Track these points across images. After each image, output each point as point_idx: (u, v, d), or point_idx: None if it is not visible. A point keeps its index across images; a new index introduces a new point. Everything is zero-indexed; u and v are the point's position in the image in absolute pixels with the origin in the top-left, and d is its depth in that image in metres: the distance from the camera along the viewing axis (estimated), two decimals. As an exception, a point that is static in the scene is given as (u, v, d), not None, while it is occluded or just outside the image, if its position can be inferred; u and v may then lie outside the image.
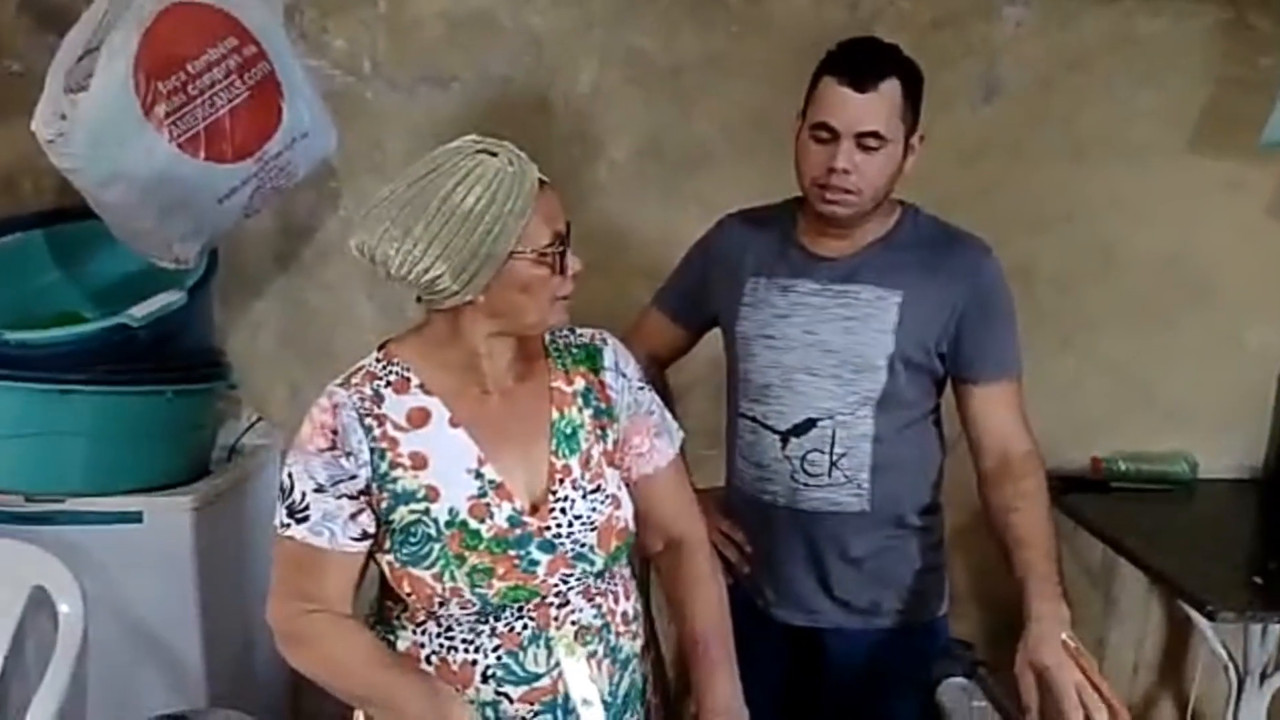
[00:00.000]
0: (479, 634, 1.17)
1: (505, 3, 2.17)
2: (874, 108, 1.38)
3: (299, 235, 2.29)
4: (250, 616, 2.17)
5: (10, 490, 1.90)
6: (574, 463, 1.21)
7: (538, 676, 1.17)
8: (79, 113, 1.68)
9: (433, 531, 1.15)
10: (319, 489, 1.14)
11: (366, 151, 2.21)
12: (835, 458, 1.50)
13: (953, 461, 1.62)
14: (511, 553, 1.15)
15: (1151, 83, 2.20)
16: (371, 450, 1.15)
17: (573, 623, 1.19)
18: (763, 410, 1.54)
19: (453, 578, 1.14)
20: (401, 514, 1.16)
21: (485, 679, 1.17)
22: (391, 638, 1.22)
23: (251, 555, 2.13)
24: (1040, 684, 1.25)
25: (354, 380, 1.19)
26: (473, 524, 1.15)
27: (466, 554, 1.14)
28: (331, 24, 2.19)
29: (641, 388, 1.30)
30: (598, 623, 1.21)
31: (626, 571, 1.29)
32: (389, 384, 1.19)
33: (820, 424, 1.50)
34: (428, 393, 1.19)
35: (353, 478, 1.15)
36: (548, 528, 1.17)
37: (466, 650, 1.17)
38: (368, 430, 1.15)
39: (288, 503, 1.15)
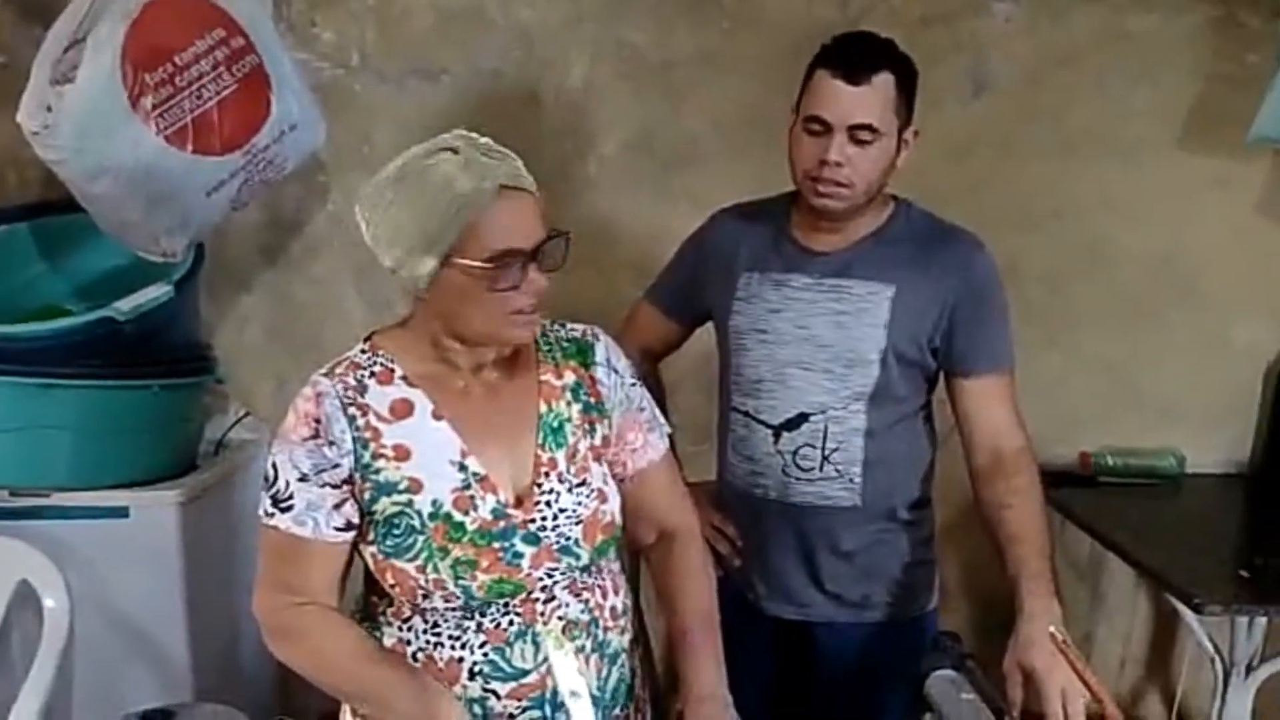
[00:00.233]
0: (465, 630, 1.17)
1: (495, -4, 2.17)
2: (867, 101, 1.38)
3: (287, 229, 2.28)
4: (237, 611, 2.16)
5: (-5, 484, 1.88)
6: (560, 456, 1.20)
7: (525, 672, 1.17)
8: (65, 105, 1.67)
9: (416, 523, 1.14)
10: (302, 478, 1.14)
11: (355, 144, 2.20)
12: (827, 452, 1.51)
13: (943, 456, 1.62)
14: (495, 545, 1.15)
15: (1142, 79, 2.21)
16: (354, 440, 1.15)
17: (559, 618, 1.19)
18: (755, 405, 1.54)
19: (436, 570, 1.14)
20: (384, 505, 1.15)
21: (472, 676, 1.16)
22: (378, 634, 1.21)
23: (238, 550, 2.12)
24: (1029, 682, 1.25)
25: (338, 370, 1.19)
26: (456, 516, 1.15)
27: (450, 546, 1.14)
28: (320, 16, 2.18)
29: (633, 384, 1.30)
30: (585, 617, 1.21)
31: (615, 566, 1.29)
32: (373, 375, 1.18)
33: (812, 419, 1.50)
34: (411, 385, 1.18)
35: (335, 467, 1.15)
36: (532, 520, 1.17)
37: (453, 647, 1.17)
38: (351, 420, 1.15)
39: (272, 491, 1.15)
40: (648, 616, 1.44)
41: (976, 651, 1.22)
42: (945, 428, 1.60)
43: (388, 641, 1.20)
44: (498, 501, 1.16)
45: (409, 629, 1.19)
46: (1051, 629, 1.26)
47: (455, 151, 1.09)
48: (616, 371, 1.28)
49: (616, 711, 1.26)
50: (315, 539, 1.15)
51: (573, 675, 0.99)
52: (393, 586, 1.16)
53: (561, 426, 1.22)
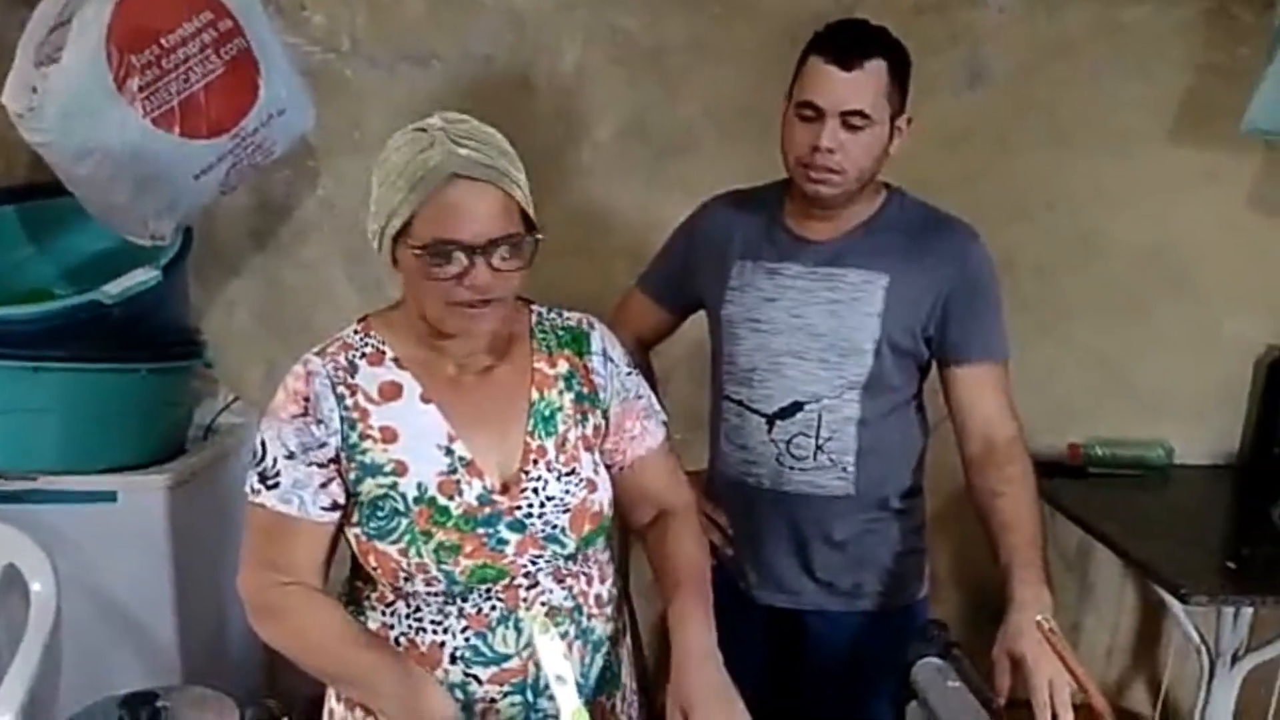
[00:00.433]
0: (447, 615, 1.16)
1: (487, -21, 2.16)
2: (859, 87, 1.38)
3: (276, 213, 2.26)
4: (225, 596, 2.15)
5: (-19, 468, 1.87)
6: (549, 444, 1.20)
7: (507, 658, 1.17)
8: (50, 86, 1.65)
9: (400, 506, 1.14)
10: (290, 456, 1.14)
11: (345, 130, 2.19)
12: (821, 441, 1.51)
13: (935, 445, 1.62)
14: (480, 531, 1.15)
15: (1134, 71, 2.21)
16: (342, 420, 1.14)
17: (542, 604, 1.18)
18: (748, 394, 1.54)
19: (419, 553, 1.13)
20: (369, 487, 1.15)
21: (454, 660, 1.16)
22: (361, 618, 1.21)
23: (227, 535, 2.09)
24: (1017, 671, 1.26)
25: (329, 350, 1.18)
26: (441, 500, 1.14)
27: (434, 530, 1.13)
28: (310, 0, 2.16)
29: (629, 373, 1.29)
30: (569, 604, 1.21)
31: (604, 555, 1.29)
32: (364, 356, 1.18)
33: (806, 407, 1.50)
34: (401, 367, 1.18)
35: (322, 446, 1.14)
36: (518, 507, 1.16)
37: (435, 632, 1.17)
38: (339, 399, 1.15)
39: (260, 468, 1.15)
40: (638, 606, 1.44)
41: (967, 641, 1.22)
42: (935, 416, 1.60)
43: (371, 625, 1.19)
44: (483, 487, 1.16)
45: (392, 613, 1.19)
46: (1039, 618, 1.27)
47: (426, 131, 1.08)
48: (612, 361, 1.27)
49: (601, 699, 1.26)
50: (301, 517, 1.14)
51: (558, 659, 0.98)
52: (375, 569, 1.16)
53: (553, 415, 1.21)
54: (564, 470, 1.19)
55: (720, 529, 1.62)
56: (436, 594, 1.16)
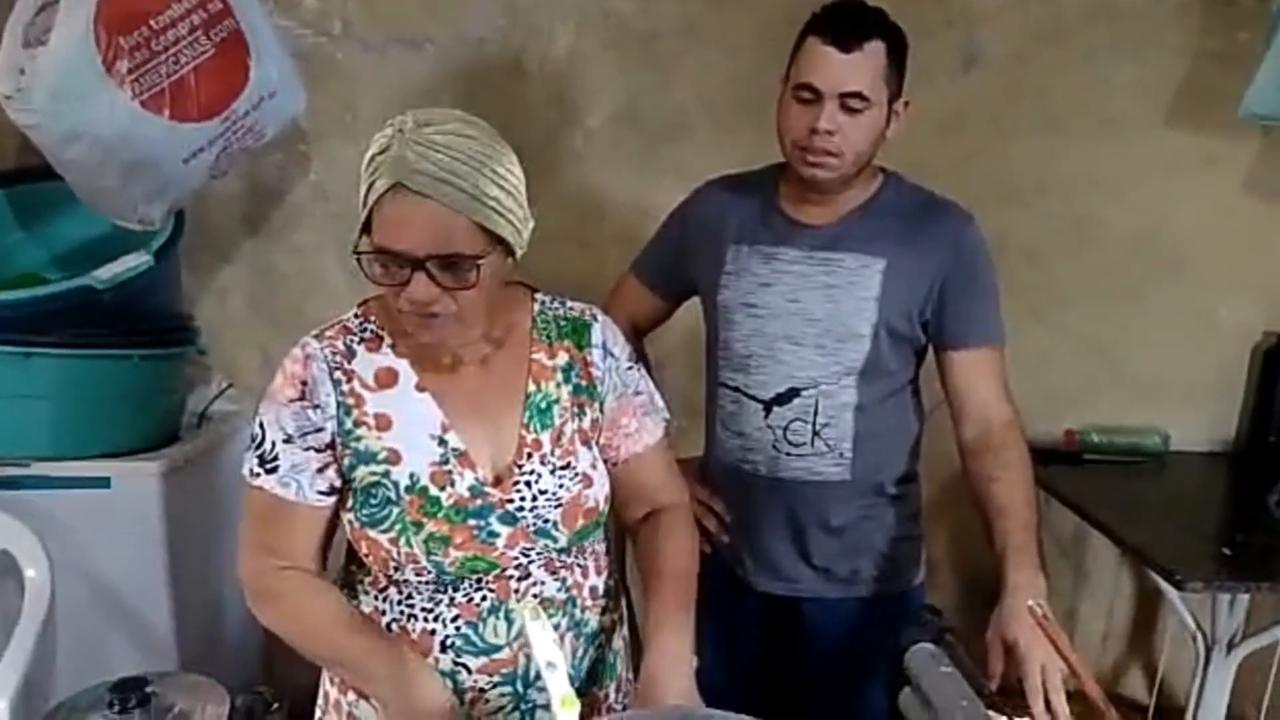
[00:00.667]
0: (438, 603, 1.16)
1: (480, -38, 2.14)
2: (858, 68, 1.37)
3: (268, 198, 2.25)
4: (221, 583, 2.15)
5: (-26, 454, 1.87)
6: (545, 437, 1.18)
7: (497, 648, 1.16)
8: (38, 68, 1.64)
9: (392, 495, 1.13)
10: (287, 439, 1.13)
11: (337, 113, 2.18)
12: (818, 427, 1.50)
13: (931, 432, 1.62)
14: (470, 522, 1.14)
15: (1130, 56, 2.20)
16: (338, 405, 1.14)
17: (534, 595, 1.18)
18: (745, 380, 1.53)
19: (409, 543, 1.12)
20: (362, 474, 1.14)
21: (444, 649, 1.16)
22: (356, 603, 1.20)
23: (222, 522, 2.10)
24: (1010, 655, 1.25)
25: (328, 333, 1.17)
26: (433, 490, 1.14)
27: (424, 520, 1.13)
28: (301, -18, 2.15)
29: (630, 367, 1.27)
30: (561, 596, 1.20)
31: (600, 547, 1.28)
32: (362, 341, 1.17)
33: (803, 393, 1.49)
34: (399, 354, 1.17)
35: (319, 430, 1.13)
36: (510, 500, 1.15)
37: (426, 619, 1.16)
38: (336, 384, 1.14)
39: (259, 452, 1.14)
40: (636, 597, 1.43)
41: (964, 627, 1.22)
42: (931, 402, 1.60)
43: (365, 610, 1.19)
44: (475, 479, 1.15)
45: (384, 599, 1.18)
46: (1031, 603, 1.26)
47: (393, 130, 1.04)
48: (612, 355, 1.25)
49: (595, 690, 1.25)
50: (299, 501, 1.14)
51: (549, 646, 0.97)
52: (367, 556, 1.16)
53: (549, 408, 1.20)
54: (559, 464, 1.18)
55: (717, 516, 1.61)
56: (427, 583, 1.15)
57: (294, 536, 1.15)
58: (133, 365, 1.91)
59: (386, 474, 1.14)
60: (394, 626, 1.17)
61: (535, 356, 1.21)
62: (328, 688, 1.26)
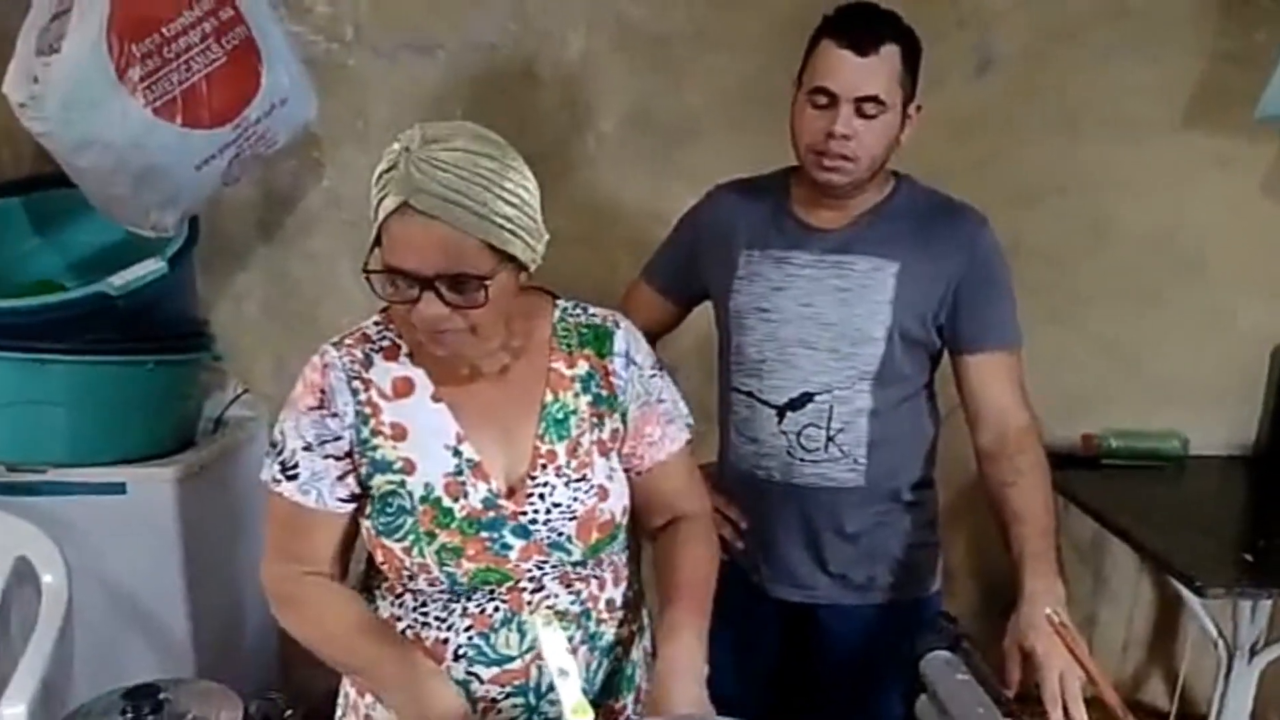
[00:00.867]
0: (451, 613, 1.15)
1: (490, -33, 2.14)
2: (874, 72, 1.36)
3: (282, 205, 2.26)
4: (238, 590, 2.16)
5: (-9, 460, 1.88)
6: (560, 449, 1.17)
7: (510, 659, 1.16)
8: (51, 76, 1.64)
9: (407, 504, 1.13)
10: (307, 447, 1.14)
11: (349, 120, 2.18)
12: (832, 432, 1.49)
13: (948, 437, 1.60)
14: (483, 534, 1.13)
15: (1145, 56, 2.18)
16: (356, 414, 1.14)
17: (548, 608, 1.16)
18: (758, 385, 1.52)
19: (421, 553, 1.12)
20: (379, 483, 1.14)
21: (457, 658, 1.15)
22: (373, 606, 1.20)
23: (238, 528, 2.11)
24: (1027, 663, 1.24)
25: (347, 341, 1.17)
26: (446, 501, 1.13)
27: (437, 531, 1.12)
28: (313, -11, 2.15)
29: (653, 374, 1.25)
30: (576, 609, 1.18)
31: (619, 558, 1.26)
32: (380, 349, 1.17)
33: (817, 398, 1.48)
34: (416, 363, 1.16)
35: (338, 439, 1.14)
36: (523, 513, 1.14)
37: (439, 628, 1.16)
38: (354, 393, 1.14)
39: (279, 459, 1.14)
40: (655, 605, 1.42)
41: (981, 635, 1.21)
42: (946, 407, 1.58)
43: (382, 614, 1.19)
44: (489, 490, 1.14)
45: (400, 605, 1.18)
46: (1049, 610, 1.25)
47: (399, 148, 1.03)
48: (635, 363, 1.23)
49: (610, 702, 1.24)
50: (319, 509, 1.14)
51: (561, 653, 0.97)
52: (382, 563, 1.15)
53: (566, 418, 1.18)
54: (574, 476, 1.17)
55: (732, 523, 1.60)
56: (441, 592, 1.15)
57: (315, 543, 1.16)
58: (148, 371, 1.92)
59: (402, 484, 1.13)
60: (409, 633, 1.17)
61: (554, 366, 1.19)
62: (348, 689, 1.26)
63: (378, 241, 1.05)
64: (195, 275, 2.11)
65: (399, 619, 1.18)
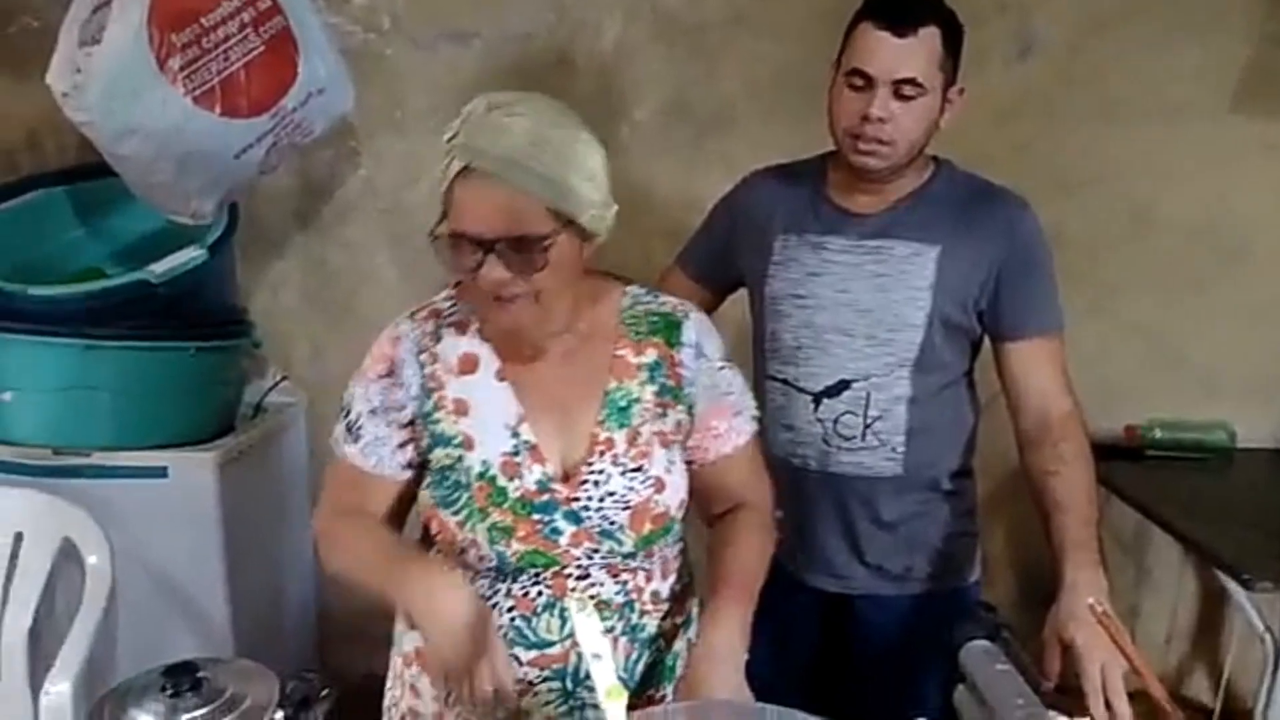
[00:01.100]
0: (496, 592, 1.16)
1: (527, -43, 2.15)
2: (913, 54, 1.33)
3: (319, 194, 2.28)
4: (277, 572, 2.19)
5: (38, 444, 1.92)
6: (619, 437, 1.15)
7: (550, 643, 1.16)
8: (92, 66, 1.68)
9: (463, 480, 1.14)
10: (372, 413, 1.16)
11: (386, 109, 2.20)
12: (870, 420, 1.47)
13: (985, 428, 1.58)
14: (535, 517, 1.13)
15: (1190, 40, 2.14)
16: (421, 386, 1.16)
17: (591, 597, 1.15)
18: (794, 372, 1.51)
19: (473, 529, 1.13)
20: (438, 455, 1.16)
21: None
22: None
23: (277, 512, 2.14)
24: (1068, 655, 1.22)
25: (419, 314, 1.19)
26: (501, 481, 1.13)
27: (490, 510, 1.13)
28: (351, -21, 2.17)
29: (722, 367, 1.22)
30: (619, 599, 1.17)
31: (670, 551, 1.22)
32: (451, 324, 1.18)
33: (854, 385, 1.46)
34: (484, 340, 1.17)
35: (402, 409, 1.16)
36: (576, 499, 1.13)
37: None
38: (421, 366, 1.16)
39: (345, 422, 1.18)
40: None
41: (1021, 627, 1.19)
42: (987, 395, 1.56)
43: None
44: (544, 473, 1.14)
45: None
46: (1091, 600, 1.23)
47: (463, 115, 1.05)
48: (704, 355, 1.21)
49: (651, 692, 1.22)
50: (377, 473, 1.17)
51: (595, 637, 0.97)
52: (436, 534, 1.17)
53: (629, 406, 1.17)
54: (630, 465, 1.15)
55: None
56: (489, 570, 1.15)
57: (370, 504, 1.18)
58: (189, 357, 1.95)
59: (460, 459, 1.14)
60: None
61: (620, 352, 1.18)
62: (395, 658, 1.28)
63: (445, 210, 1.06)
64: (235, 264, 2.14)
65: None
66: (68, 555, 1.74)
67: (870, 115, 1.35)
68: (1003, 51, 2.15)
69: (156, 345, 1.91)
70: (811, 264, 1.48)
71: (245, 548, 2.05)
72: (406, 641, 1.26)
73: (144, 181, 1.87)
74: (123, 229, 2.16)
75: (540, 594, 1.15)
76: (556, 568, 1.15)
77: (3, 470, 1.91)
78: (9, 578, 1.73)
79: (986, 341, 1.51)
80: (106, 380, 1.90)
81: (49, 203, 2.13)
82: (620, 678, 1.12)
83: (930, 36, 1.34)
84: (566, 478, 1.15)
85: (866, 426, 1.47)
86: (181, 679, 0.92)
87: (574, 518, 1.14)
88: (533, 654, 1.15)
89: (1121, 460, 2.18)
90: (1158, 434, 2.24)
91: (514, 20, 2.18)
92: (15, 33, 2.18)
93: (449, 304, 1.20)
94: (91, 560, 1.72)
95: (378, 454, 1.17)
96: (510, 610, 1.15)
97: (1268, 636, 2.09)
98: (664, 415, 1.18)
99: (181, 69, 1.72)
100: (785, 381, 1.52)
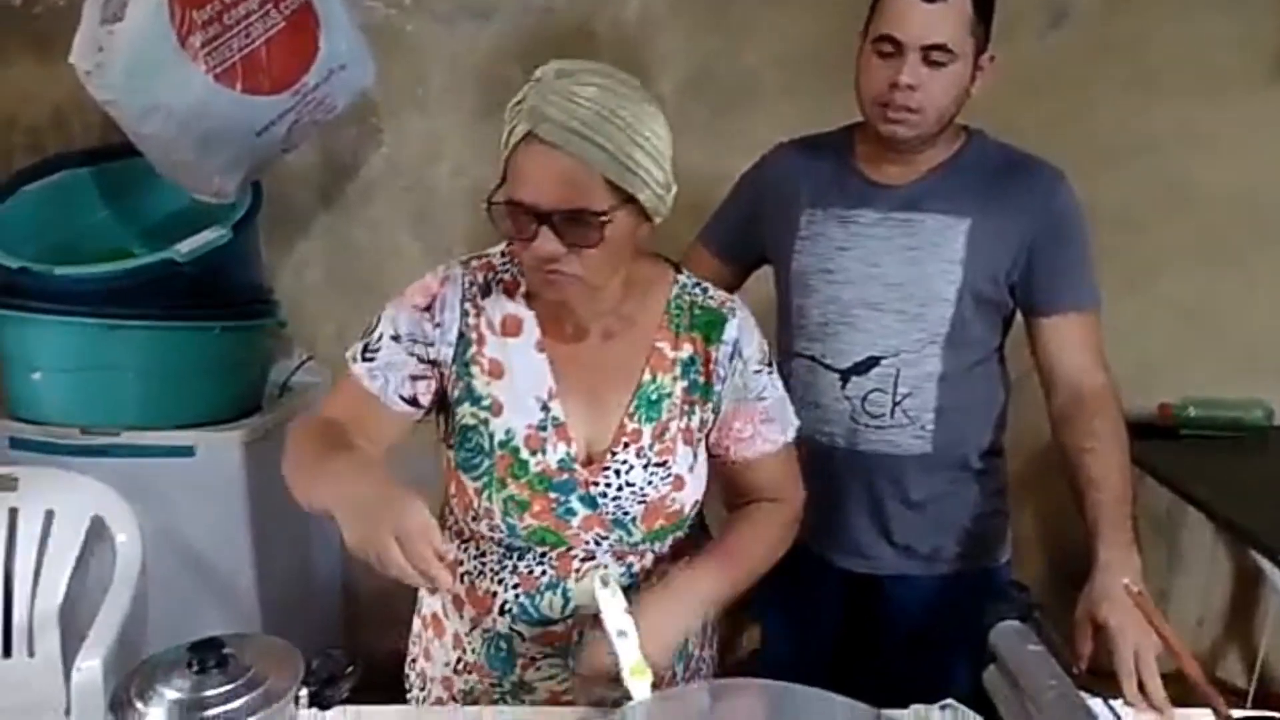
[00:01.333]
0: (503, 568, 1.17)
1: (547, -70, 2.12)
2: (942, 18, 1.30)
3: (342, 172, 2.28)
4: (304, 550, 2.21)
5: (67, 423, 1.94)
6: (647, 430, 1.14)
7: (552, 621, 1.16)
8: (115, 44, 1.68)
9: (486, 445, 1.13)
10: (395, 338, 1.14)
11: (409, 85, 2.18)
12: (899, 398, 1.44)
13: (1018, 403, 1.55)
14: (551, 494, 1.13)
15: (1229, 9, 2.09)
16: (459, 335, 1.14)
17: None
18: (821, 349, 1.48)
19: (490, 499, 1.13)
20: (464, 412, 1.14)
21: (502, 612, 1.17)
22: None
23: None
24: (1100, 635, 1.20)
25: (473, 263, 1.17)
26: (524, 453, 1.13)
27: (508, 480, 1.12)
28: (371, -45, 2.15)
29: (758, 371, 1.20)
30: (625, 581, 1.17)
31: (680, 535, 1.23)
32: (501, 281, 1.16)
33: (883, 362, 1.44)
34: (530, 305, 1.16)
35: (430, 345, 1.14)
36: (595, 483, 1.13)
37: (492, 580, 1.17)
38: (464, 314, 1.14)
39: (365, 340, 1.15)
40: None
41: (1053, 608, 1.17)
42: (1018, 372, 1.53)
43: (448, 555, 1.15)
44: (567, 453, 1.13)
45: (464, 550, 1.20)
46: (1126, 580, 1.21)
47: (532, 80, 1.03)
48: (740, 355, 1.18)
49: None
50: (379, 398, 1.14)
51: (619, 614, 0.96)
52: (454, 497, 1.17)
53: (659, 400, 1.16)
54: (654, 460, 1.15)
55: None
56: (499, 543, 1.16)
57: (362, 424, 1.13)
58: (215, 336, 1.96)
59: (485, 422, 1.13)
60: (465, 579, 1.19)
61: (659, 345, 1.17)
62: (416, 620, 1.29)
63: (504, 176, 1.04)
64: (259, 243, 2.14)
65: (461, 564, 1.19)
66: (98, 533, 1.77)
67: (899, 83, 1.32)
68: (1035, 21, 2.11)
69: (182, 325, 1.93)
70: (839, 238, 1.45)
71: (271, 526, 2.06)
72: (425, 605, 1.28)
73: (167, 160, 1.87)
74: (148, 209, 2.16)
75: (545, 573, 1.16)
76: (563, 548, 1.15)
77: (33, 449, 1.93)
78: (40, 555, 1.76)
79: (1018, 317, 1.48)
80: (132, 360, 1.91)
81: (75, 183, 2.14)
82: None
83: (961, 1, 1.31)
84: (589, 461, 1.14)
85: (895, 404, 1.45)
86: (207, 655, 0.92)
87: (590, 502, 1.13)
88: (536, 630, 1.16)
89: (1156, 439, 2.14)
90: (1192, 412, 2.20)
91: (534, -7, 2.16)
92: (41, 13, 2.19)
93: (503, 260, 1.18)
94: (121, 538, 1.75)
95: (385, 377, 1.13)
96: (515, 587, 1.16)
97: (1304, 618, 2.07)
98: (690, 412, 1.17)
99: (203, 46, 1.72)
100: (812, 358, 1.50)
